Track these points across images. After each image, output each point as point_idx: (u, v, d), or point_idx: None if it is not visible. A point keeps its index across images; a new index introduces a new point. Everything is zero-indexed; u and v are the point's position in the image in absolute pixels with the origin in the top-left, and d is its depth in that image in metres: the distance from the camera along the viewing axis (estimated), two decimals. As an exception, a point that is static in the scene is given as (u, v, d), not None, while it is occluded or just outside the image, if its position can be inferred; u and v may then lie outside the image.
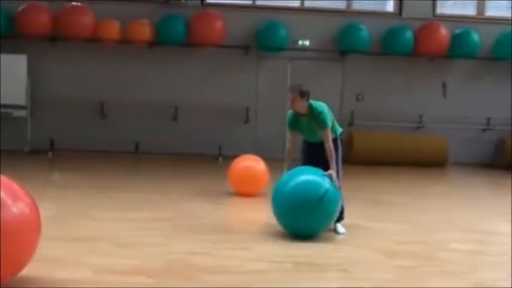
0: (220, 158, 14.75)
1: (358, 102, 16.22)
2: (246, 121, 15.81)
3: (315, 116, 7.07)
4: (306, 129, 7.23)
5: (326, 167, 6.94)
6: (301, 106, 7.09)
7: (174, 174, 12.47)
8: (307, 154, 7.41)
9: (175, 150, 15.35)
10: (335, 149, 7.08)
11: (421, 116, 16.29)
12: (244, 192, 9.70)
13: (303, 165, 7.23)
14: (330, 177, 6.82)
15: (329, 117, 7.10)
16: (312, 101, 7.12)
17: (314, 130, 7.15)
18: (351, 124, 16.02)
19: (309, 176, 6.87)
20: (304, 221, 6.77)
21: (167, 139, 15.36)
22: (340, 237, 7.14)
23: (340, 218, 7.33)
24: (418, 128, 16.32)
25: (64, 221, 7.38)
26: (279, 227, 7.17)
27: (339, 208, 7.00)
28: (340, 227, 7.36)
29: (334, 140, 7.20)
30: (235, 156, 10.39)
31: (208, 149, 15.33)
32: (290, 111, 7.27)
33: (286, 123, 7.30)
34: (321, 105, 7.13)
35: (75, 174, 11.54)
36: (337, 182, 6.87)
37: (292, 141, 7.35)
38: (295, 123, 7.23)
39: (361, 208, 9.07)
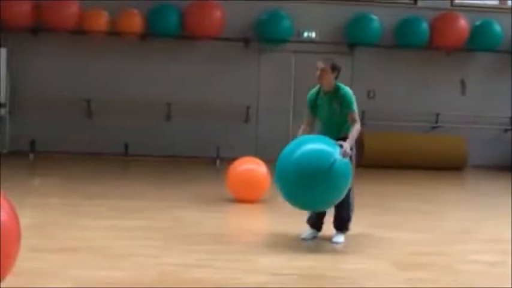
0: (218, 161, 14.74)
1: (369, 99, 16.22)
2: (246, 120, 15.81)
3: (340, 97, 7.14)
4: (326, 112, 7.20)
5: None
6: (329, 81, 7.15)
7: (167, 178, 12.45)
8: None
9: (168, 152, 15.34)
10: (353, 147, 7.04)
11: (437, 115, 16.29)
12: (244, 198, 9.67)
13: None
14: (341, 147, 6.73)
15: (355, 101, 7.14)
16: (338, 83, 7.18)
17: (334, 115, 7.16)
18: (361, 124, 15.97)
19: (317, 144, 6.79)
20: (311, 192, 6.65)
21: (160, 140, 15.34)
22: (337, 246, 7.09)
23: (343, 228, 7.31)
24: (434, 127, 16.32)
25: (47, 230, 7.35)
26: (283, 237, 7.13)
27: (349, 184, 6.85)
28: (339, 236, 7.28)
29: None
30: (234, 159, 10.36)
31: (205, 151, 15.32)
32: (313, 89, 7.33)
33: (307, 100, 7.32)
34: (348, 89, 7.22)
35: (59, 179, 11.50)
36: (349, 152, 6.75)
37: (310, 123, 7.35)
38: (316, 102, 7.27)
39: (373, 215, 9.04)
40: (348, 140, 6.89)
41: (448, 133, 16.05)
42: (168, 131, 15.49)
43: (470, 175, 15.23)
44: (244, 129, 15.81)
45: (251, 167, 9.90)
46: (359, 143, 15.22)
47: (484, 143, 16.24)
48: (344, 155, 6.70)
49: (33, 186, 10.83)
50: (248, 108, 15.75)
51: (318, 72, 7.14)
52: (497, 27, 15.86)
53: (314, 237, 7.36)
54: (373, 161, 15.00)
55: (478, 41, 15.90)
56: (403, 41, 15.85)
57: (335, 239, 7.22)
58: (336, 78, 7.20)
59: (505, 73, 16.45)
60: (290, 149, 6.83)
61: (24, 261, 5.23)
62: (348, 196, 7.04)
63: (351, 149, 6.91)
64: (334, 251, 6.79)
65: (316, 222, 7.39)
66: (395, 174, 14.25)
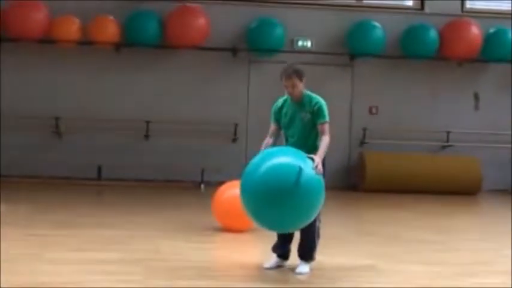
0: (203, 185, 14.76)
1: (372, 116, 16.29)
2: (234, 140, 15.86)
3: (312, 105, 7.27)
4: (294, 122, 7.34)
5: None
6: (299, 90, 7.29)
7: (145, 205, 12.44)
8: None
9: (147, 175, 15.35)
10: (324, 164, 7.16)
11: (448, 133, 16.36)
12: (232, 227, 9.67)
13: None
14: (312, 160, 6.89)
15: (327, 111, 7.29)
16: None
17: (301, 125, 7.29)
18: (362, 143, 16.09)
19: (285, 156, 6.94)
20: (278, 211, 6.76)
21: (137, 162, 15.35)
22: (300, 277, 7.12)
23: (307, 257, 7.35)
24: (444, 147, 16.40)
25: (12, 264, 7.32)
26: (275, 270, 7.17)
27: (321, 201, 6.96)
28: (304, 266, 7.31)
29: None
30: (220, 183, 10.38)
31: (188, 174, 15.34)
32: (280, 99, 7.47)
33: (272, 109, 7.47)
34: (320, 98, 7.35)
35: (26, 206, 11.45)
36: (321, 169, 6.90)
37: (274, 134, 7.52)
38: (282, 111, 7.41)
39: (377, 245, 9.06)
40: (318, 154, 7.02)
41: (460, 153, 16.11)
42: (147, 151, 15.51)
43: (484, 200, 15.27)
44: (232, 149, 15.84)
45: (239, 192, 9.91)
46: (358, 164, 15.38)
47: (500, 165, 16.30)
48: (316, 171, 6.83)
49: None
50: (236, 125, 15.79)
51: (290, 90, 7.26)
52: (512, 36, 16.00)
53: (279, 266, 7.42)
54: (375, 185, 15.05)
55: (492, 51, 16.01)
56: (409, 51, 15.95)
57: (298, 270, 7.25)
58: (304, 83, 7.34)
59: (523, 86, 16.55)
60: (255, 162, 7.00)
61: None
62: (314, 220, 7.09)
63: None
64: (331, 285, 6.82)
65: (281, 249, 7.46)
66: (400, 199, 14.27)
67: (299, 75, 7.26)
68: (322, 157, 7.02)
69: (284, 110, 7.40)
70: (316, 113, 7.24)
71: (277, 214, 6.81)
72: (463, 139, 16.36)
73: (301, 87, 7.28)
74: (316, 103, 7.26)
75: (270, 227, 7.10)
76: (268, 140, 7.49)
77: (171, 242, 8.94)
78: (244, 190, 7.03)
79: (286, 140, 7.51)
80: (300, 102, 7.31)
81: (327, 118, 7.26)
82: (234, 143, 15.89)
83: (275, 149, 7.25)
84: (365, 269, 7.44)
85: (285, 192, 6.68)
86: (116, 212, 11.43)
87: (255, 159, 7.07)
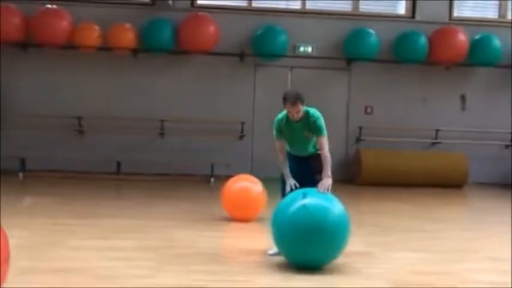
0: (212, 179, 14.71)
1: (367, 115, 16.23)
2: (241, 137, 15.80)
3: (310, 122, 7.27)
4: (296, 137, 7.38)
5: (312, 184, 7.07)
6: (301, 113, 7.27)
7: (160, 197, 12.41)
8: (292, 169, 7.44)
9: (161, 170, 15.30)
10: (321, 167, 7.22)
11: (437, 131, 16.29)
12: (240, 217, 9.64)
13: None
14: (322, 187, 6.93)
15: (324, 125, 7.31)
16: (305, 107, 7.31)
17: (303, 138, 7.33)
18: (358, 140, 16.04)
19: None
20: (304, 249, 6.71)
21: (153, 158, 15.31)
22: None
23: None
24: (434, 144, 16.32)
25: (37, 251, 7.31)
26: (280, 257, 7.12)
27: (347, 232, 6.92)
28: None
29: (318, 156, 7.33)
30: (229, 177, 10.34)
31: (199, 169, 15.29)
32: (280, 116, 7.43)
33: (275, 128, 7.44)
34: (316, 112, 7.35)
35: (49, 198, 11.47)
36: (328, 186, 6.96)
37: (283, 150, 7.52)
38: (284, 129, 7.39)
39: (372, 234, 9.02)
40: (324, 174, 7.07)
41: (448, 150, 16.04)
42: (162, 148, 15.47)
43: (471, 193, 15.21)
44: (239, 146, 15.80)
45: (246, 185, 9.89)
46: (354, 160, 15.34)
47: (485, 160, 16.24)
48: (325, 188, 6.90)
49: (23, 206, 10.78)
50: (243, 124, 15.74)
51: (295, 114, 7.22)
52: (496, 42, 15.89)
53: (280, 254, 7.37)
54: (370, 179, 15.01)
55: (477, 56, 15.93)
56: (401, 56, 15.88)
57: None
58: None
59: (506, 88, 16.47)
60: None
61: (14, 283, 5.19)
62: None
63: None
64: (332, 271, 6.75)
65: None
66: (393, 192, 14.23)
67: (301, 100, 7.21)
68: (330, 175, 7.08)
69: (286, 128, 7.39)
70: (314, 129, 7.28)
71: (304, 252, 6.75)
72: (450, 137, 16.27)
73: (302, 109, 7.24)
74: (315, 121, 7.26)
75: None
76: (281, 156, 7.49)
77: (183, 231, 8.91)
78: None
79: (290, 147, 7.55)
80: (301, 121, 7.30)
81: (325, 133, 7.28)
82: (241, 140, 15.84)
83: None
84: (363, 256, 7.38)
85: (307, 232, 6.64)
86: (132, 203, 11.40)
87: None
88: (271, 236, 7.05)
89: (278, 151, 7.51)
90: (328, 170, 7.11)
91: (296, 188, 7.22)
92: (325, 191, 6.91)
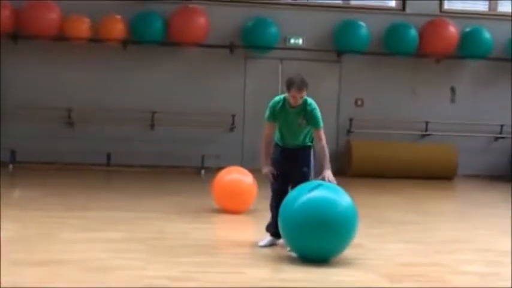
0: (203, 171, 14.70)
1: (357, 107, 16.25)
2: (232, 129, 15.80)
3: (307, 111, 7.24)
4: (289, 123, 7.32)
5: (299, 176, 7.14)
6: (302, 99, 7.26)
7: (150, 189, 12.39)
8: (277, 162, 7.43)
9: (152, 162, 15.29)
10: (310, 159, 7.31)
11: (427, 123, 16.32)
12: (230, 208, 9.64)
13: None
14: (325, 180, 6.97)
15: (321, 117, 7.29)
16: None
17: (296, 126, 7.28)
18: (349, 132, 16.06)
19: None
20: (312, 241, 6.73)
21: (143, 150, 15.29)
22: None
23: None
24: (424, 136, 16.36)
25: (27, 243, 7.29)
26: (270, 248, 7.14)
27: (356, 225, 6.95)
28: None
29: (310, 148, 7.37)
30: (219, 169, 10.35)
31: (190, 161, 15.28)
32: (278, 98, 7.42)
33: (270, 110, 7.39)
34: (314, 102, 7.33)
35: (40, 190, 11.43)
36: (333, 178, 6.98)
37: (270, 134, 7.49)
38: (278, 112, 7.34)
39: (363, 226, 8.99)
40: (325, 166, 7.12)
41: (438, 142, 16.08)
42: (152, 140, 15.44)
43: (460, 184, 15.26)
44: (229, 138, 15.80)
45: (237, 177, 9.89)
46: (345, 152, 15.36)
47: (474, 152, 16.29)
48: (330, 180, 6.94)
49: (13, 198, 10.74)
50: (233, 116, 15.73)
51: (298, 100, 7.19)
52: (487, 34, 15.94)
53: (272, 244, 7.42)
54: (360, 171, 15.03)
55: (467, 48, 15.97)
56: (391, 48, 15.89)
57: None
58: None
59: (495, 80, 16.53)
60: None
61: (5, 276, 5.18)
62: None
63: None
64: (323, 263, 6.76)
65: (274, 229, 7.43)
66: (383, 184, 14.26)
67: (307, 86, 7.21)
68: (329, 167, 7.12)
69: (282, 112, 7.35)
70: (311, 119, 7.24)
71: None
72: (440, 129, 16.32)
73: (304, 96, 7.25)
74: (312, 110, 7.23)
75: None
76: (265, 142, 7.47)
77: (173, 222, 8.90)
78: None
79: (281, 134, 7.49)
80: (297, 108, 7.27)
81: (321, 124, 7.27)
82: (231, 132, 15.84)
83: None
84: (353, 247, 7.38)
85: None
86: (123, 195, 11.38)
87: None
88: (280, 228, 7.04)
89: (265, 134, 7.48)
90: (327, 162, 7.12)
91: (273, 175, 7.29)
92: (333, 181, 6.92)
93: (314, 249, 6.74)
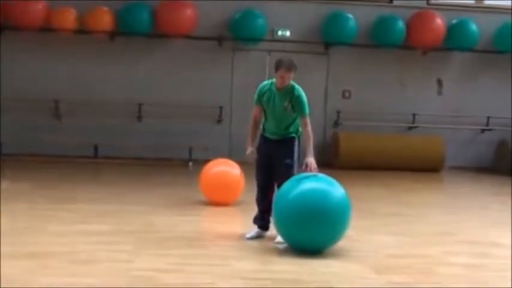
0: (191, 163, 14.68)
1: (345, 99, 16.25)
2: (219, 121, 15.78)
3: (294, 96, 7.27)
4: (274, 107, 7.32)
5: (282, 168, 7.17)
6: (288, 82, 7.30)
7: (138, 181, 12.37)
8: (261, 152, 7.48)
9: (139, 154, 15.25)
10: (294, 151, 7.30)
11: (414, 115, 16.36)
12: (218, 201, 9.65)
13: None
14: (310, 167, 7.04)
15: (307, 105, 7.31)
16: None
17: (281, 110, 7.29)
18: (336, 124, 16.07)
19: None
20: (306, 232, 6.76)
21: (130, 142, 15.25)
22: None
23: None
24: (411, 128, 16.39)
25: (14, 235, 7.27)
26: (257, 241, 7.16)
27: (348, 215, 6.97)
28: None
29: (294, 140, 7.37)
30: (207, 161, 10.34)
31: (177, 153, 15.25)
32: (266, 82, 7.48)
33: (256, 93, 7.44)
34: (301, 90, 7.36)
35: (27, 183, 11.38)
36: (315, 167, 7.04)
37: (257, 119, 7.51)
38: (265, 95, 7.38)
39: (352, 218, 9.03)
40: (308, 153, 7.17)
41: (425, 134, 16.12)
42: (139, 132, 15.40)
43: (447, 176, 15.31)
44: (217, 130, 15.77)
45: (225, 169, 9.89)
46: (332, 144, 15.39)
47: (461, 144, 16.36)
48: (311, 170, 6.98)
49: (1, 190, 10.69)
50: (221, 108, 15.72)
51: (285, 80, 7.23)
52: (473, 27, 15.97)
53: (260, 236, 7.46)
54: (348, 163, 15.04)
55: (454, 40, 15.99)
56: (378, 40, 15.90)
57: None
58: None
59: (482, 72, 16.56)
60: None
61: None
62: None
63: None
64: (311, 255, 6.77)
65: (261, 221, 7.48)
66: (371, 176, 14.28)
67: (295, 68, 7.29)
68: (313, 154, 7.16)
69: (268, 95, 7.37)
70: (297, 106, 7.27)
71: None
72: (427, 121, 16.35)
73: (291, 78, 7.30)
74: (298, 96, 7.27)
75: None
76: (252, 125, 7.53)
77: (160, 215, 8.90)
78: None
79: (265, 120, 7.50)
80: (284, 91, 7.25)
81: (307, 111, 7.29)
82: (219, 124, 15.82)
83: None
84: (342, 239, 7.41)
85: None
86: (110, 187, 11.36)
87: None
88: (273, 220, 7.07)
89: (252, 116, 7.52)
90: (311, 149, 7.17)
91: (253, 156, 7.43)
92: (314, 170, 6.94)
93: (308, 241, 6.77)
